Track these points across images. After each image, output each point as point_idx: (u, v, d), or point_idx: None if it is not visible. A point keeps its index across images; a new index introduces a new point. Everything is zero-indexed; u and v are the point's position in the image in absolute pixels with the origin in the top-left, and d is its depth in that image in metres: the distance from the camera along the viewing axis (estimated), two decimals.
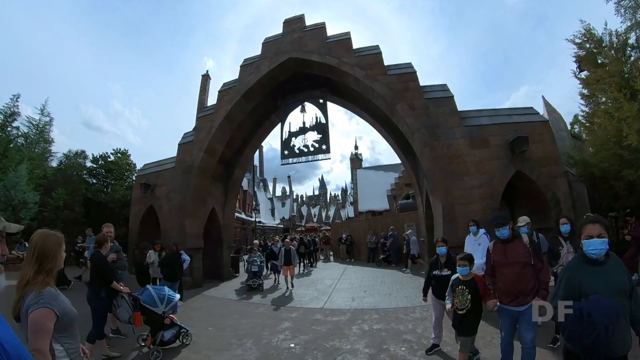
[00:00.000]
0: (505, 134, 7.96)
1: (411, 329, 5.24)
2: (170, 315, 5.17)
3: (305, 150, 9.74)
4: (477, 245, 5.24)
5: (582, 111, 11.30)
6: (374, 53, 9.41)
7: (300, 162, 9.78)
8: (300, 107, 10.67)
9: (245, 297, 8.53)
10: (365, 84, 8.79)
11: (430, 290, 4.44)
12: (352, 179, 30.03)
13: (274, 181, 69.28)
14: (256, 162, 51.19)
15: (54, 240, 1.82)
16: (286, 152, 10.03)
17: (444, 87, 8.85)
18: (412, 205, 16.98)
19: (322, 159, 9.47)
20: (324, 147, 9.47)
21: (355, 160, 33.01)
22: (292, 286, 9.07)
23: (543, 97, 15.43)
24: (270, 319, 6.38)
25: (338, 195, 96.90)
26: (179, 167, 11.48)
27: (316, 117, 9.94)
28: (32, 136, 18.28)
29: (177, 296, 5.27)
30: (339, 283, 10.14)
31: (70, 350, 1.77)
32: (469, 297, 3.25)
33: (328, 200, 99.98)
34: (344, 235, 17.73)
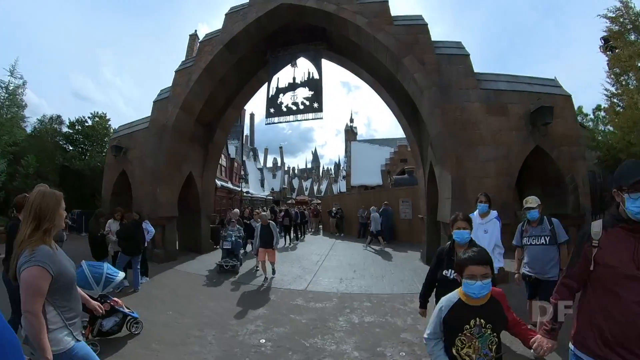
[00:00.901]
0: (525, 103, 6.93)
1: (411, 324, 4.31)
2: (114, 299, 4.15)
3: (294, 108, 8.46)
4: (482, 232, 3.83)
5: (606, 90, 10.39)
6: (379, 1, 7.99)
7: (287, 122, 8.56)
8: (291, 62, 9.26)
9: (219, 275, 7.50)
10: (368, 33, 7.43)
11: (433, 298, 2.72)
12: (345, 151, 28.82)
13: (266, 152, 67.96)
14: (247, 131, 49.48)
15: (51, 199, 1.72)
16: (272, 110, 8.73)
17: (458, 45, 7.59)
18: (408, 180, 16.05)
19: (312, 119, 8.24)
20: (315, 105, 8.21)
21: (350, 133, 31.63)
22: (273, 274, 7.07)
23: (555, 78, 14.28)
24: (241, 304, 5.42)
25: (331, 169, 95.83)
26: (152, 127, 10.18)
27: (308, 72, 8.60)
28: (1, 100, 16.49)
29: (121, 275, 4.21)
30: (326, 260, 9.27)
31: (67, 316, 1.65)
32: (495, 339, 1.69)
33: (320, 174, 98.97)
34: (334, 209, 16.86)
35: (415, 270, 7.53)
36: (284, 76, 9.40)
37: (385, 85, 8.81)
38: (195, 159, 10.87)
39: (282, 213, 13.12)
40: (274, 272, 7.14)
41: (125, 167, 11.10)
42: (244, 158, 33.10)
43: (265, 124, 8.99)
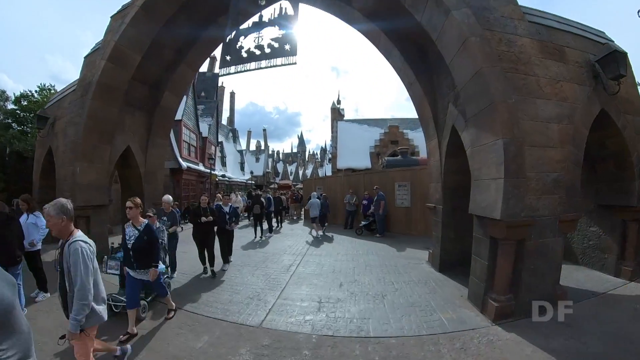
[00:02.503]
0: (584, 50, 4.88)
1: None
2: None
3: (258, 52, 5.97)
4: None
5: None
6: None
7: (248, 71, 6.08)
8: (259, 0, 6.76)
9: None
10: None
11: None
12: (332, 131, 26.44)
13: (249, 135, 64.98)
14: (227, 112, 46.23)
15: None
16: (228, 58, 6.24)
17: None
18: (402, 162, 13.97)
19: (283, 64, 5.79)
20: (287, 47, 5.76)
21: (336, 112, 29.19)
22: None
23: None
24: (146, 352, 3.18)
25: (317, 153, 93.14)
26: (79, 88, 7.70)
27: (280, 8, 6.15)
28: None
29: None
30: (302, 263, 7.07)
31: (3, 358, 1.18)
32: None
33: (306, 158, 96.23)
34: (315, 194, 14.64)
35: (427, 281, 5.37)
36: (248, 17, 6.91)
37: (386, 29, 6.47)
38: (135, 128, 8.35)
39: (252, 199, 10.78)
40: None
41: (51, 142, 8.95)
42: (222, 139, 30.30)
43: (220, 75, 6.55)
